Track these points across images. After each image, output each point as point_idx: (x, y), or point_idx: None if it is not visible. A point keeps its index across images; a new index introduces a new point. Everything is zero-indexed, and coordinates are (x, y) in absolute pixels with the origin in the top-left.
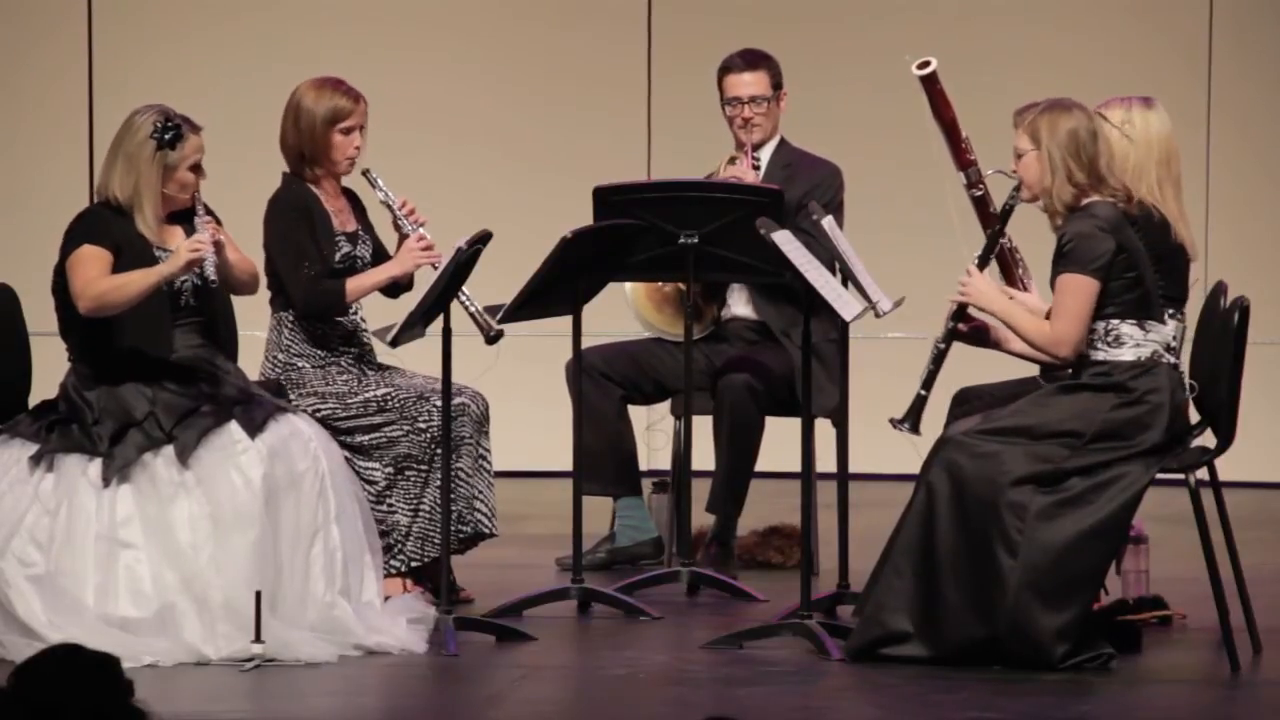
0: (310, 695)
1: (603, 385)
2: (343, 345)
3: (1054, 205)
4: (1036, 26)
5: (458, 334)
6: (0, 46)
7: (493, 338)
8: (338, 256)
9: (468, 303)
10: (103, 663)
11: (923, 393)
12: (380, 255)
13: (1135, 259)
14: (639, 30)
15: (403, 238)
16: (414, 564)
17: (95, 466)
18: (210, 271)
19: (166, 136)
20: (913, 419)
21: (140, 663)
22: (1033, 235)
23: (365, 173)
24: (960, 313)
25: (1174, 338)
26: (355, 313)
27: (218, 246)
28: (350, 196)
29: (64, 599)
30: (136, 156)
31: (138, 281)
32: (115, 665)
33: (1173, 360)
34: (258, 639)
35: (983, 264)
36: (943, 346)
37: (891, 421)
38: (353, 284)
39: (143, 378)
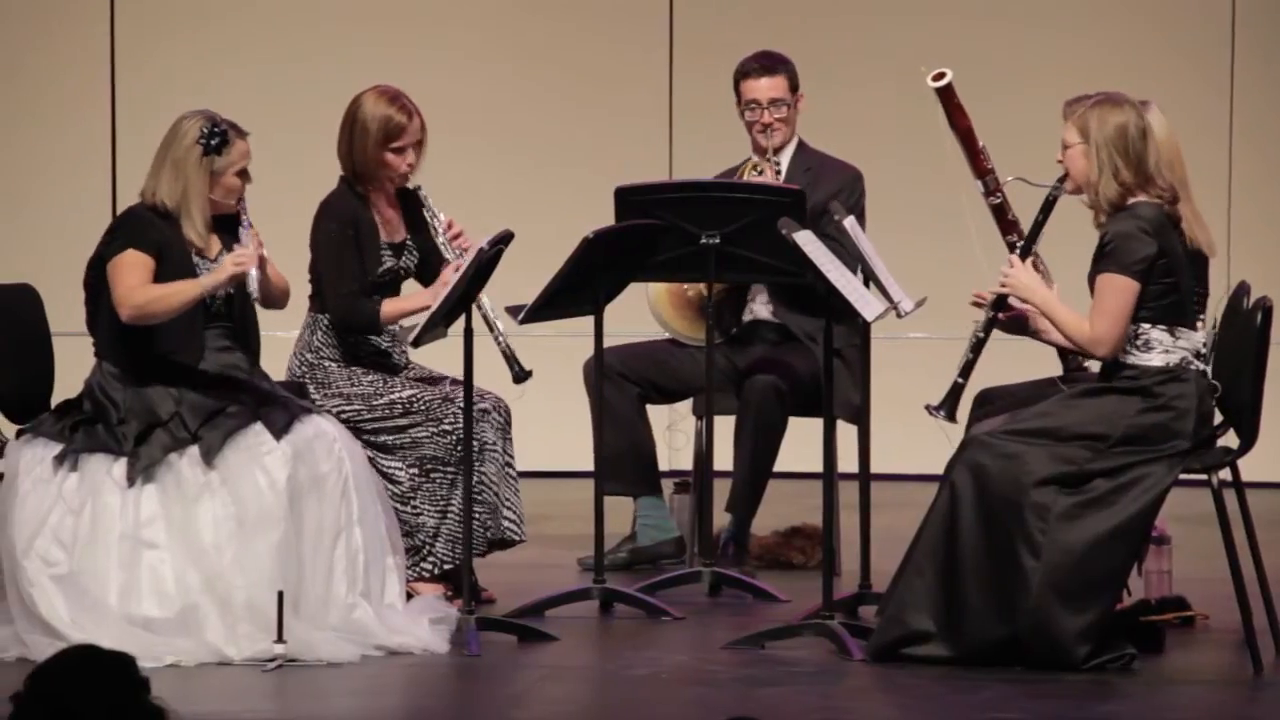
0: (332, 695)
1: (620, 385)
2: (374, 356)
3: (1099, 202)
4: (1056, 34)
5: (479, 334)
6: (22, 48)
7: (520, 377)
8: (380, 270)
9: (499, 339)
10: (118, 662)
11: (960, 381)
12: (426, 264)
13: (1174, 264)
14: (661, 30)
15: (446, 261)
16: (446, 566)
17: (120, 466)
18: (253, 287)
19: (213, 142)
20: (949, 406)
21: (162, 663)
22: (1060, 235)
23: (416, 189)
24: (1000, 302)
25: (1204, 344)
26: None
27: (260, 261)
28: (406, 205)
29: (87, 598)
30: (184, 162)
31: (181, 293)
32: (131, 664)
33: (1201, 367)
34: (280, 639)
35: (1024, 254)
36: (981, 335)
37: (928, 408)
38: (389, 307)
39: (170, 380)
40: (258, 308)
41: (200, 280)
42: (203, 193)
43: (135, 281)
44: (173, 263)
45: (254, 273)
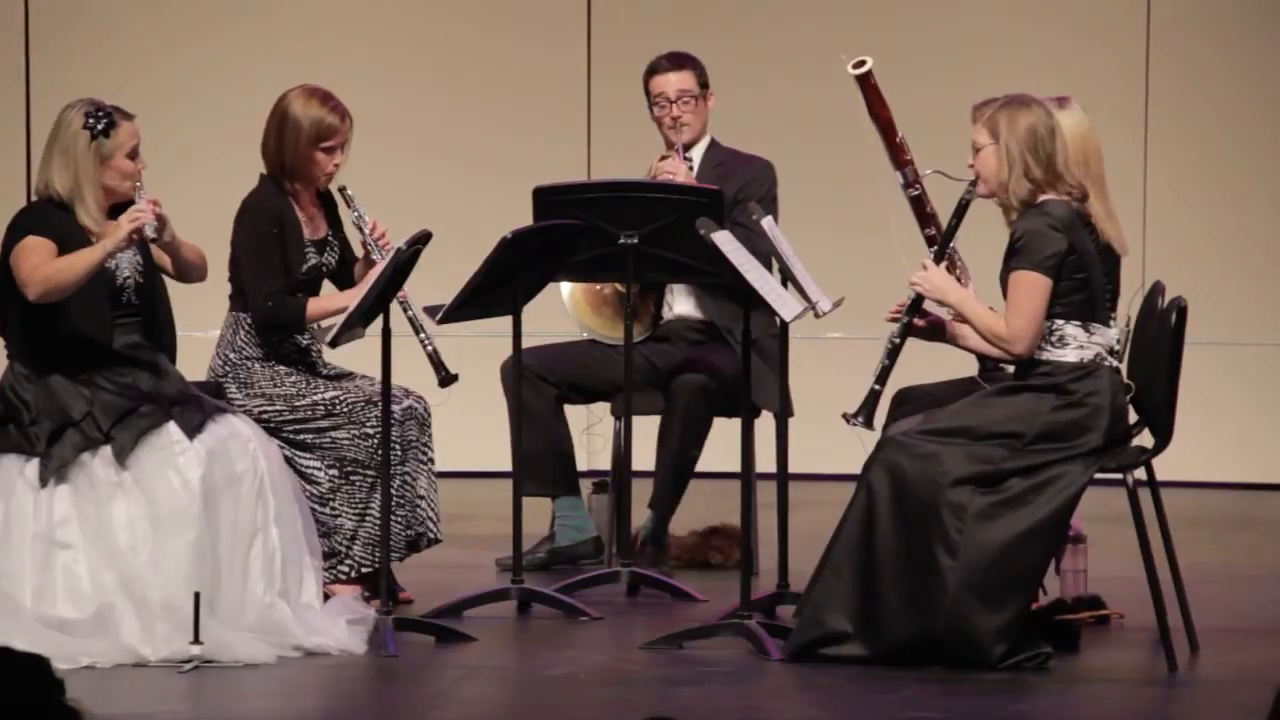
0: (249, 696)
1: (537, 386)
2: (295, 356)
3: (1009, 201)
4: (971, 26)
5: (397, 335)
6: None
7: (445, 381)
8: (304, 268)
9: (425, 342)
10: (32, 663)
11: (876, 388)
12: (345, 263)
13: (1085, 260)
14: (579, 31)
15: (370, 261)
16: (364, 569)
17: (32, 467)
18: (150, 232)
19: (99, 126)
20: (866, 413)
21: (78, 664)
22: (977, 234)
23: (341, 190)
24: (915, 306)
25: (1117, 341)
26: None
27: (160, 221)
28: (325, 201)
29: (1, 600)
30: (72, 148)
31: (84, 259)
32: (45, 665)
33: (1115, 364)
34: (196, 640)
35: (938, 258)
36: (897, 341)
37: (845, 416)
38: (314, 305)
39: (83, 370)
40: (176, 301)
41: (101, 244)
42: (94, 178)
43: (39, 261)
44: (75, 249)
45: (151, 221)
